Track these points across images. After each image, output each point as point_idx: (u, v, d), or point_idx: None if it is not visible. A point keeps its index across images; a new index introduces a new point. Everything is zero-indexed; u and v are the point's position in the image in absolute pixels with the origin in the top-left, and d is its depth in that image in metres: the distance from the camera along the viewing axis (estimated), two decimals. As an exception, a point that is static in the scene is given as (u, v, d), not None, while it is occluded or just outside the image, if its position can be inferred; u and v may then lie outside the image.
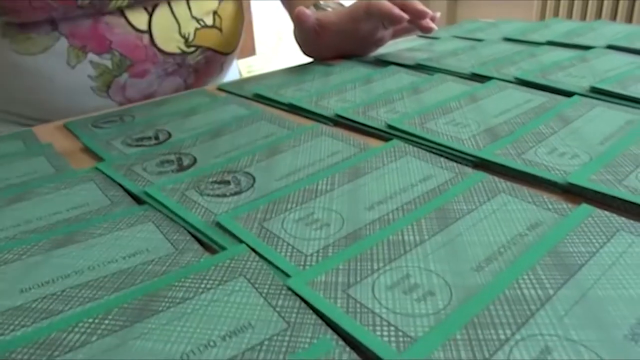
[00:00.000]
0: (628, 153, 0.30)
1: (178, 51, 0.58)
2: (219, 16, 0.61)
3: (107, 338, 0.19)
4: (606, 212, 0.25)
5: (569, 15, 2.18)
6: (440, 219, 0.25)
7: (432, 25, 0.54)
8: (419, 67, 0.53)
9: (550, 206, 0.26)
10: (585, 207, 0.25)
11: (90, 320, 0.20)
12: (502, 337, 0.18)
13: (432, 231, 0.24)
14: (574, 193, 0.28)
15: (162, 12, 0.56)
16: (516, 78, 0.46)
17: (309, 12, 0.55)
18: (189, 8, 0.58)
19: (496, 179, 0.29)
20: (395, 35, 0.61)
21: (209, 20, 0.60)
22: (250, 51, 1.36)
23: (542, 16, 2.26)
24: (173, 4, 0.57)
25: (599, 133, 0.34)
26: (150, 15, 0.55)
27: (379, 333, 0.19)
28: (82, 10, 0.51)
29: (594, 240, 0.23)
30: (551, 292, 0.20)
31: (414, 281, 0.21)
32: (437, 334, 0.18)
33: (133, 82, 0.57)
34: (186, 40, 0.59)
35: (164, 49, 0.57)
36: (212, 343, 0.19)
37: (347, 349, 0.18)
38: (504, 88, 0.44)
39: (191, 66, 0.61)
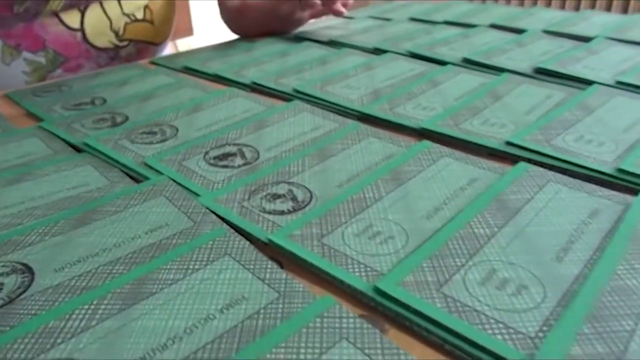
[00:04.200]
0: (471, 106, 0.39)
1: (110, 45, 0.62)
2: (150, 9, 0.66)
3: (57, 237, 0.25)
4: (439, 145, 0.33)
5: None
6: (320, 155, 0.33)
7: (342, 9, 0.62)
8: (331, 43, 0.61)
9: (402, 144, 0.34)
10: (424, 142, 0.34)
11: (41, 227, 0.26)
12: (343, 220, 0.26)
13: (312, 164, 0.32)
14: (425, 136, 0.36)
15: (94, 11, 0.60)
16: (408, 51, 0.54)
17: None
18: (120, 6, 0.62)
19: (368, 126, 0.37)
20: (314, 16, 0.68)
21: (139, 14, 0.64)
22: (188, 31, 1.40)
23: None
24: (104, 3, 0.60)
25: (457, 92, 0.43)
26: (83, 14, 0.59)
27: (260, 225, 0.26)
28: (18, 17, 0.54)
29: (424, 164, 0.31)
30: (384, 194, 0.28)
31: (292, 195, 0.29)
32: (297, 222, 0.26)
33: (67, 77, 0.60)
34: (117, 34, 0.62)
35: (97, 45, 0.61)
36: (137, 236, 0.25)
37: (235, 234, 0.25)
38: (396, 59, 0.52)
39: (123, 58, 0.65)
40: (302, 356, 0.18)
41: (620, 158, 0.31)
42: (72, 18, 0.58)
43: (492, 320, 0.19)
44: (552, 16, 0.68)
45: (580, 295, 0.20)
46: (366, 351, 0.18)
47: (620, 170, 0.29)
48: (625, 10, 1.97)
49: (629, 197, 0.27)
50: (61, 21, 0.57)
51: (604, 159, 0.31)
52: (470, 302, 0.20)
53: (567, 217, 0.25)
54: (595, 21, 0.64)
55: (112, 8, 0.61)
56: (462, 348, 0.19)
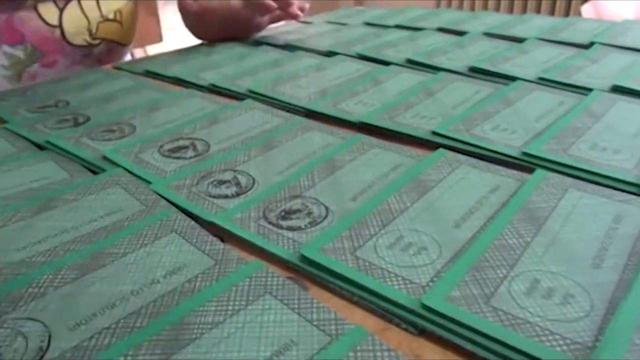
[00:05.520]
0: (406, 102, 0.43)
1: (85, 43, 0.65)
2: (120, 12, 0.69)
3: (19, 222, 0.28)
4: (371, 137, 0.37)
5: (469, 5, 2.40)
6: (265, 147, 0.37)
7: (298, 12, 0.66)
8: (287, 46, 0.64)
9: (341, 136, 0.38)
10: (358, 135, 0.37)
11: (4, 214, 0.29)
12: (279, 205, 0.29)
13: (257, 154, 0.36)
14: (363, 128, 0.40)
15: (72, 9, 0.62)
16: (357, 53, 0.58)
17: (191, 1, 0.64)
18: (99, 7, 0.65)
19: (312, 121, 0.41)
20: (273, 21, 0.72)
21: (110, 15, 0.67)
22: (157, 38, 1.42)
23: (449, 5, 2.45)
24: (83, 2, 0.63)
25: (396, 90, 0.47)
26: (61, 12, 0.61)
27: (208, 210, 0.29)
28: (2, 6, 0.56)
29: (355, 151, 0.35)
30: (317, 181, 0.32)
31: (237, 181, 0.32)
32: (239, 206, 0.29)
33: (43, 72, 0.63)
34: (90, 33, 0.65)
35: (73, 42, 0.64)
36: (93, 219, 0.28)
37: (182, 214, 0.29)
38: (345, 61, 0.56)
39: (95, 56, 0.68)
40: (230, 306, 0.21)
41: (527, 143, 0.35)
42: (50, 14, 0.61)
43: (392, 275, 0.23)
44: (495, 19, 0.73)
45: (467, 252, 0.24)
46: (285, 302, 0.22)
47: (525, 154, 0.33)
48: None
49: (526, 175, 0.31)
50: (40, 17, 0.60)
51: (513, 144, 0.35)
52: (377, 261, 0.24)
53: (470, 193, 0.29)
54: (533, 23, 0.69)
55: (91, 8, 0.64)
56: (366, 298, 0.22)
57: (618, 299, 0.21)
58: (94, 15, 0.64)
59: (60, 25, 0.62)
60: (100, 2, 0.65)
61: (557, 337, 0.19)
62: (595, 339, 0.19)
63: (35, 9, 0.60)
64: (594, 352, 0.18)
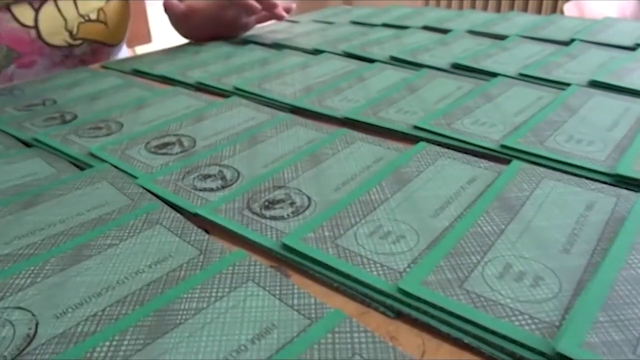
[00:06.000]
0: (389, 98, 0.44)
1: (64, 44, 0.65)
2: (104, 12, 0.69)
3: (6, 217, 0.29)
4: (355, 131, 0.38)
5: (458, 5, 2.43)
6: (250, 142, 0.37)
7: (283, 13, 0.66)
8: (274, 45, 0.65)
9: (326, 131, 0.39)
10: (343, 129, 0.38)
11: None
12: (264, 195, 0.30)
13: (242, 149, 0.36)
14: (347, 124, 0.41)
15: (48, 9, 0.62)
16: (343, 51, 0.59)
17: (176, 1, 0.65)
18: (76, 6, 0.65)
19: (297, 117, 0.41)
20: (259, 21, 0.72)
21: (93, 15, 0.67)
22: (146, 38, 1.42)
23: (438, 4, 2.47)
24: (59, 2, 0.63)
25: (380, 87, 0.47)
26: (37, 12, 0.61)
27: (193, 202, 0.30)
28: None
29: (339, 147, 0.36)
30: (301, 173, 0.32)
31: (222, 175, 0.33)
32: (224, 198, 0.30)
33: (20, 73, 0.63)
34: (71, 33, 0.65)
35: (51, 42, 0.64)
36: (80, 213, 0.29)
37: (167, 207, 0.29)
38: (331, 59, 0.57)
39: (78, 57, 0.68)
40: (214, 293, 0.22)
41: (505, 136, 0.36)
42: (25, 15, 0.60)
43: (371, 262, 0.24)
44: (479, 18, 0.74)
45: (443, 240, 0.25)
46: (267, 288, 0.22)
47: (503, 146, 0.34)
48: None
49: (503, 167, 0.32)
50: (14, 18, 0.59)
51: (492, 138, 0.36)
52: (357, 249, 0.25)
53: (449, 184, 0.30)
54: (516, 21, 0.71)
55: (68, 8, 0.64)
56: (346, 284, 0.23)
57: (585, 281, 0.22)
58: (72, 14, 0.64)
59: (36, 26, 0.61)
60: (78, 1, 0.65)
61: (526, 316, 0.20)
62: (562, 318, 0.20)
63: (9, 9, 0.59)
64: (559, 329, 0.19)
